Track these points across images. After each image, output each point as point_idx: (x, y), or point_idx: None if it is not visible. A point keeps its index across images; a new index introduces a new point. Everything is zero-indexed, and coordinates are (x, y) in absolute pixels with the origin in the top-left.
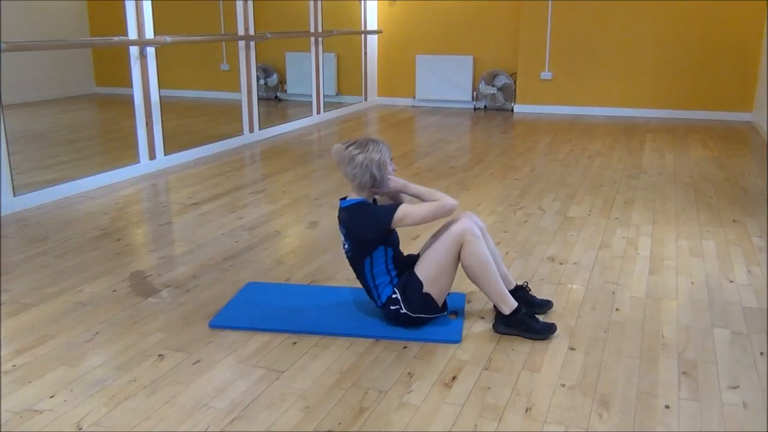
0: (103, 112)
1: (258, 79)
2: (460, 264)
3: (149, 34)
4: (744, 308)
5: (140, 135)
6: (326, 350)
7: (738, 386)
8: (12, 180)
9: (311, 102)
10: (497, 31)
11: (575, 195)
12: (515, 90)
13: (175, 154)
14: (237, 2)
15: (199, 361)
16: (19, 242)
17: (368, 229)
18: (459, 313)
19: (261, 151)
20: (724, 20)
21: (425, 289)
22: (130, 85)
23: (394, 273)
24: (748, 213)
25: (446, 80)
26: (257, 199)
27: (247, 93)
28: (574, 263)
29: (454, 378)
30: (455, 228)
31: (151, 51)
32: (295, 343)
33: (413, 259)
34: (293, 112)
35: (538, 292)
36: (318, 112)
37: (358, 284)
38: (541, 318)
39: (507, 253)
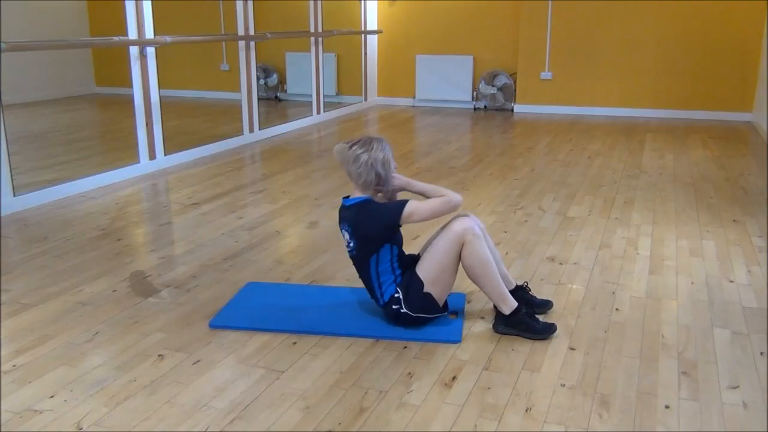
0: (103, 112)
1: (258, 79)
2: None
3: (149, 34)
4: (744, 308)
5: (140, 135)
6: (326, 350)
7: (738, 386)
8: (12, 180)
9: (311, 102)
10: (497, 31)
11: (575, 195)
12: (515, 90)
13: (175, 154)
14: (237, 2)
15: (199, 361)
16: (19, 242)
17: (377, 226)
18: (459, 313)
19: (261, 151)
20: (724, 20)
21: (426, 289)
22: (130, 85)
23: (398, 272)
24: (748, 213)
25: (446, 80)
26: (257, 199)
27: (247, 93)
28: (574, 263)
29: (454, 378)
30: (456, 228)
31: (151, 51)
32: (295, 343)
33: (415, 258)
34: (293, 112)
35: (538, 292)
36: (318, 112)
37: (358, 284)
38: (541, 318)
39: (507, 253)
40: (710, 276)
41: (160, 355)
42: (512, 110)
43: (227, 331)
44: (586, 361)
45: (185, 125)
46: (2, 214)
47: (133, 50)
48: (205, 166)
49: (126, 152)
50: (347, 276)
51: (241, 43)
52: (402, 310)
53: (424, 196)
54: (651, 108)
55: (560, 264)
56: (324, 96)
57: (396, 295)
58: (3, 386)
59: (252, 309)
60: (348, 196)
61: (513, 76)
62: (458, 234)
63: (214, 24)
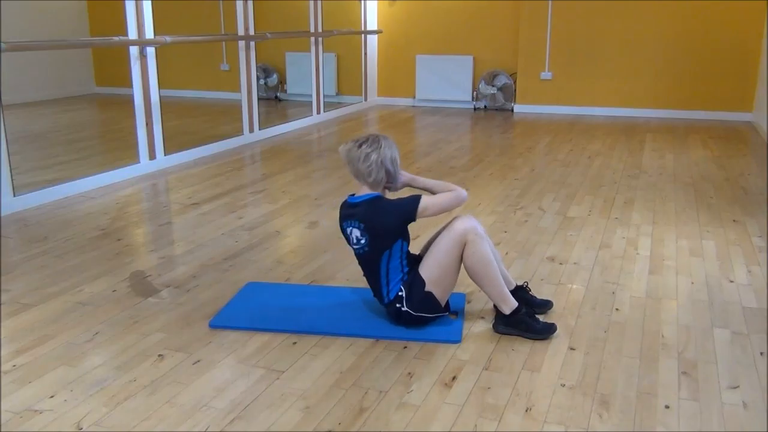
0: (103, 112)
1: (258, 79)
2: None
3: (149, 34)
4: (744, 308)
5: (140, 135)
6: (326, 350)
7: (738, 386)
8: (12, 180)
9: (311, 102)
10: (497, 31)
11: (575, 195)
12: (515, 90)
13: (175, 154)
14: (237, 2)
15: (199, 361)
16: (19, 242)
17: (395, 221)
18: (459, 313)
19: (261, 151)
20: (724, 20)
21: (427, 288)
22: (130, 85)
23: (406, 269)
24: (748, 213)
25: (446, 80)
26: (257, 199)
27: (247, 93)
28: (574, 263)
29: (454, 378)
30: (459, 227)
31: (151, 51)
32: (295, 343)
33: (417, 258)
34: (293, 112)
35: (538, 292)
36: (318, 112)
37: (358, 284)
38: (541, 318)
39: (507, 253)
40: (710, 276)
41: (160, 355)
42: (512, 110)
43: (227, 331)
44: (586, 361)
45: (185, 125)
46: (2, 214)
47: (133, 50)
48: (205, 166)
49: (126, 152)
50: (347, 276)
51: (241, 43)
52: (403, 309)
53: (429, 191)
54: (651, 108)
55: (560, 264)
56: (324, 96)
57: (400, 294)
58: (3, 386)
59: (252, 309)
60: (353, 194)
61: (513, 76)
62: (461, 234)
63: (214, 24)
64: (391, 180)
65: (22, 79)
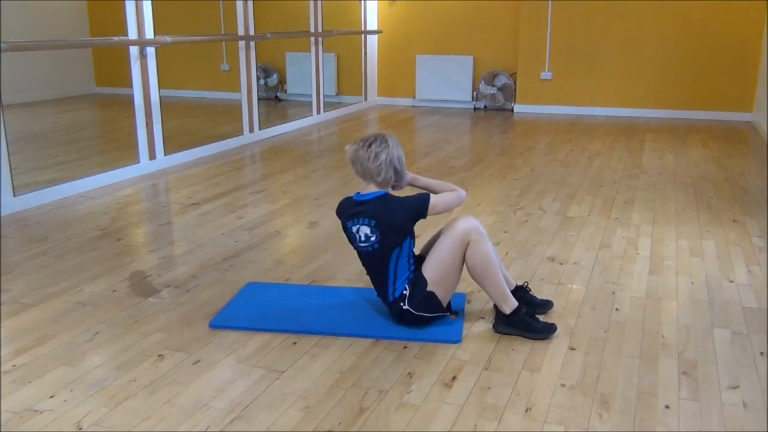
0: (103, 112)
1: (258, 79)
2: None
3: (149, 34)
4: (744, 308)
5: (140, 135)
6: (326, 350)
7: (738, 386)
8: (12, 180)
9: (311, 102)
10: (497, 31)
11: (575, 195)
12: (515, 90)
13: (175, 154)
14: (237, 2)
15: (199, 361)
16: (19, 242)
17: (406, 217)
18: (459, 313)
19: (261, 151)
20: (724, 20)
21: (429, 288)
22: (130, 85)
23: (412, 267)
24: (748, 213)
25: (446, 80)
26: (257, 199)
27: (247, 93)
28: (574, 263)
29: (454, 378)
30: (461, 227)
31: (151, 51)
32: (295, 343)
33: (420, 258)
34: (293, 112)
35: (538, 292)
36: (318, 112)
37: (358, 284)
38: (541, 318)
39: (507, 253)
40: (710, 276)
41: (160, 355)
42: (512, 110)
43: (227, 331)
44: (586, 361)
45: (185, 125)
46: (2, 214)
47: (133, 50)
48: (205, 166)
49: (126, 152)
50: (347, 276)
51: (241, 43)
52: (404, 307)
53: (430, 190)
54: (651, 108)
55: (560, 264)
56: (324, 96)
57: (405, 293)
58: (3, 386)
59: (252, 309)
60: (358, 193)
61: (513, 76)
62: (463, 233)
63: (214, 24)
64: (398, 179)
65: (22, 79)
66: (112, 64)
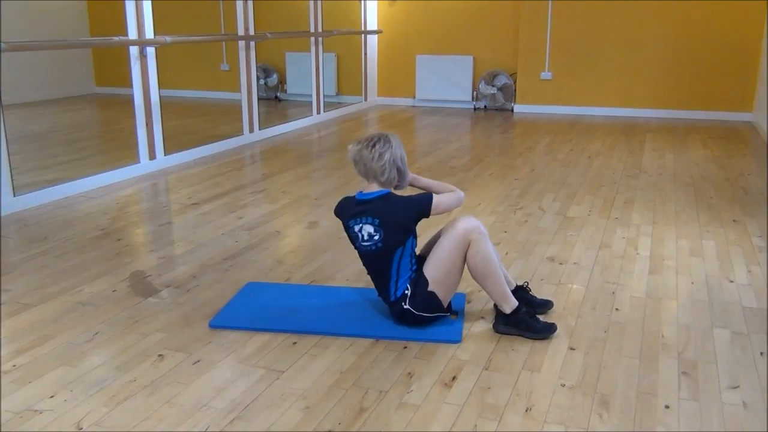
0: (103, 112)
1: (258, 79)
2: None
3: (149, 34)
4: (744, 308)
5: (140, 135)
6: (326, 350)
7: (738, 386)
8: (12, 180)
9: (311, 102)
10: (497, 31)
11: (575, 195)
12: (515, 90)
13: (175, 154)
14: (237, 2)
15: (199, 361)
16: (19, 242)
17: (409, 216)
18: (459, 313)
19: (261, 151)
20: (724, 20)
21: (430, 288)
22: (130, 85)
23: (414, 267)
24: (748, 213)
25: (446, 80)
26: (257, 199)
27: (247, 93)
28: (574, 263)
29: (454, 378)
30: (462, 227)
31: (151, 51)
32: (295, 343)
33: (421, 258)
34: (293, 112)
35: (538, 292)
36: (318, 112)
37: (358, 284)
38: (541, 318)
39: (507, 253)
40: (710, 276)
41: (160, 355)
42: (512, 110)
43: (227, 331)
44: (586, 361)
45: (185, 125)
46: (2, 214)
47: (133, 50)
48: (205, 166)
49: (126, 152)
50: (347, 276)
51: (241, 43)
52: (405, 307)
53: (430, 191)
54: (651, 108)
55: (560, 264)
56: (324, 96)
57: (406, 292)
58: (3, 386)
59: (252, 309)
60: (360, 192)
61: (513, 76)
62: (464, 233)
63: (214, 24)
64: (401, 178)
65: (22, 79)
66: (112, 64)
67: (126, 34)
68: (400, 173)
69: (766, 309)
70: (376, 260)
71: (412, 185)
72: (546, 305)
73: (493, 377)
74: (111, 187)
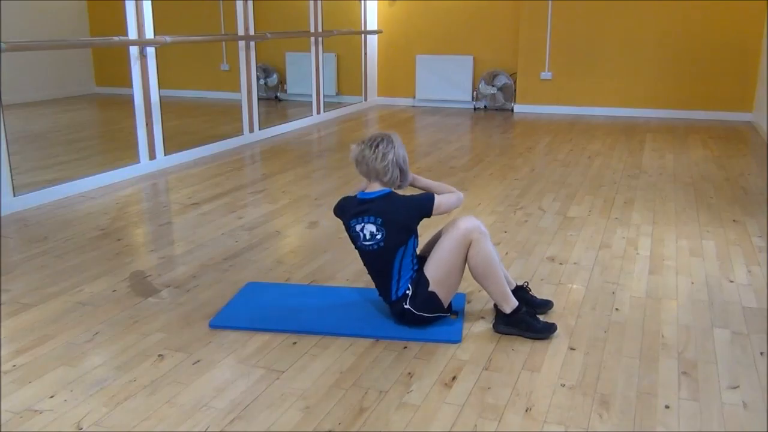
0: (103, 112)
1: (258, 79)
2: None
3: (149, 34)
4: (744, 308)
5: (140, 135)
6: (326, 350)
7: (738, 386)
8: (12, 180)
9: (311, 102)
10: (497, 31)
11: (575, 195)
12: (515, 90)
13: (175, 154)
14: (237, 2)
15: (199, 361)
16: (19, 242)
17: (411, 215)
18: (459, 313)
19: (261, 151)
20: (724, 20)
21: (431, 288)
22: (130, 85)
23: (416, 267)
24: (748, 213)
25: (446, 80)
26: (257, 199)
27: (247, 93)
28: (574, 263)
29: (454, 378)
30: (463, 226)
31: (151, 51)
32: (295, 343)
33: (422, 258)
34: (293, 112)
35: (538, 292)
36: (318, 112)
37: (358, 284)
38: (541, 318)
39: (507, 253)
40: (710, 276)
41: (160, 355)
42: (512, 110)
43: (227, 331)
44: (586, 361)
45: (185, 125)
46: (2, 214)
47: (133, 50)
48: (205, 166)
49: (126, 152)
50: (347, 276)
51: (241, 43)
52: (405, 306)
53: (430, 191)
54: (651, 108)
55: (560, 264)
56: (324, 96)
57: (407, 292)
58: (3, 386)
59: (252, 309)
60: (361, 191)
61: (513, 76)
62: (465, 233)
63: (214, 24)
64: (403, 178)
65: (22, 79)
66: (112, 64)
67: (126, 34)
68: (402, 173)
69: (766, 309)
70: (378, 260)
71: (412, 185)
72: (546, 305)
73: (493, 377)
74: (111, 187)
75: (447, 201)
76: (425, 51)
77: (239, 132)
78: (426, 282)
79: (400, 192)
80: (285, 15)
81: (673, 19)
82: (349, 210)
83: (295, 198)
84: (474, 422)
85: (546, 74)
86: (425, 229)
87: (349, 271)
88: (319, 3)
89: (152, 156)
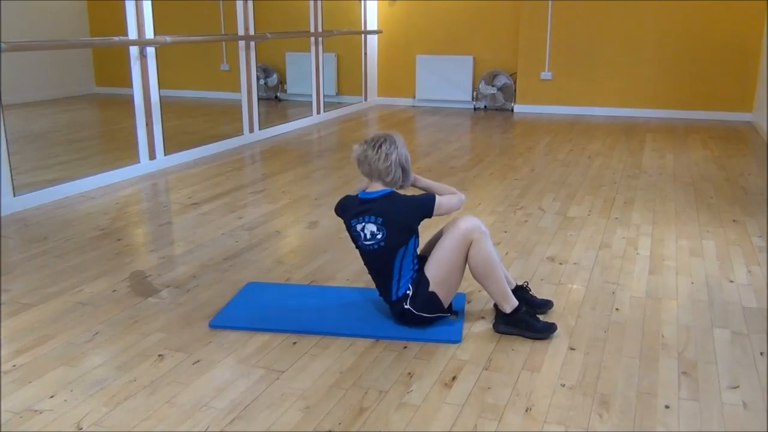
0: (103, 112)
1: (258, 79)
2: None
3: (149, 34)
4: (744, 308)
5: (140, 135)
6: (326, 350)
7: (738, 386)
8: (12, 180)
9: (311, 102)
10: (497, 31)
11: (575, 195)
12: (515, 90)
13: (175, 154)
14: (237, 2)
15: (199, 361)
16: (19, 242)
17: (413, 215)
18: (459, 313)
19: (261, 151)
20: (724, 20)
21: (431, 288)
22: (130, 85)
23: (416, 267)
24: (748, 213)
25: (446, 80)
26: (257, 199)
27: (247, 93)
28: (574, 263)
29: (454, 378)
30: (463, 226)
31: (151, 51)
32: (295, 343)
33: (422, 258)
34: (293, 112)
35: (538, 292)
36: (318, 112)
37: (358, 284)
38: (541, 318)
39: (507, 253)
40: (710, 276)
41: (160, 355)
42: (512, 110)
43: (227, 331)
44: (586, 361)
45: (185, 125)
46: (2, 214)
47: (133, 50)
48: (205, 166)
49: (126, 152)
50: (347, 276)
51: (241, 43)
52: (406, 306)
53: (431, 192)
54: (651, 108)
55: (560, 264)
56: (324, 96)
57: (408, 292)
58: (3, 386)
59: (252, 309)
60: (362, 191)
61: (513, 76)
62: (465, 233)
63: (214, 24)
64: (405, 178)
65: (22, 79)
66: (112, 64)
67: (126, 34)
68: (405, 173)
69: (766, 309)
70: (378, 260)
71: (413, 186)
72: (546, 305)
73: (493, 377)
74: (111, 187)
75: (448, 202)
76: (425, 51)
77: (239, 132)
78: (426, 282)
79: (402, 192)
80: (285, 15)
81: (673, 19)
82: (351, 209)
83: (295, 198)
84: (474, 422)
85: (546, 74)
86: (425, 229)
87: (349, 271)
88: (319, 3)
89: (152, 156)
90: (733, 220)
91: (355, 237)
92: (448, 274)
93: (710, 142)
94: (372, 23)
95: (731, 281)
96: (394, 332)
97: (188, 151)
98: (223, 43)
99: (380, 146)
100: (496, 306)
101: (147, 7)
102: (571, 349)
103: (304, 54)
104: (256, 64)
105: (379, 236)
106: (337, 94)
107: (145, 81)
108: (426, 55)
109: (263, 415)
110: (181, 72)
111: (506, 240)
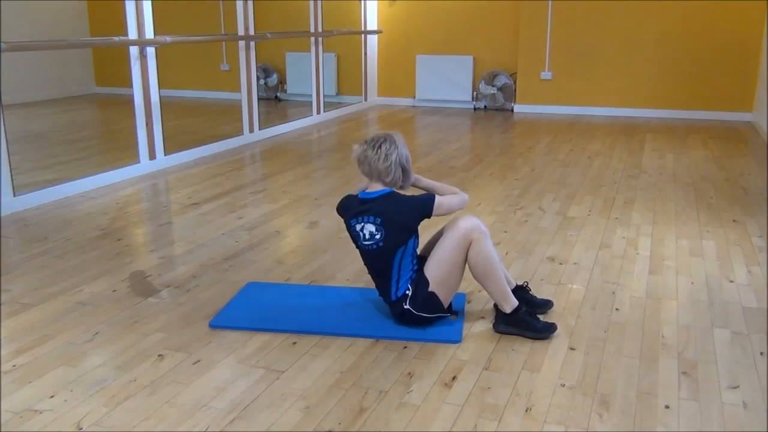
0: (103, 112)
1: (258, 79)
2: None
3: (149, 34)
4: (744, 308)
5: (140, 135)
6: (326, 350)
7: (738, 386)
8: (12, 180)
9: (311, 102)
10: (497, 31)
11: (575, 195)
12: (515, 90)
13: (175, 154)
14: (237, 2)
15: (199, 361)
16: (19, 242)
17: (412, 215)
18: (459, 313)
19: (261, 151)
20: (724, 20)
21: (431, 288)
22: (130, 85)
23: (416, 267)
24: (748, 213)
25: (446, 80)
26: (257, 199)
27: (247, 93)
28: (574, 263)
29: (454, 378)
30: (463, 226)
31: (151, 51)
32: (295, 343)
33: (422, 258)
34: (293, 112)
35: (538, 292)
36: (318, 112)
37: (358, 284)
38: (541, 318)
39: (507, 253)
40: (710, 276)
41: (160, 355)
42: (512, 110)
43: (227, 331)
44: (586, 361)
45: (185, 125)
46: (2, 214)
47: (133, 50)
48: (205, 166)
49: (126, 152)
50: (347, 276)
51: (241, 43)
52: (405, 307)
53: (433, 192)
54: (651, 108)
55: (560, 264)
56: (324, 96)
57: (407, 292)
58: (3, 386)
59: (252, 309)
60: (363, 190)
61: (513, 76)
62: (465, 232)
63: (214, 24)
64: (406, 178)
65: (22, 79)
66: (112, 64)
67: (126, 34)
68: (405, 173)
69: (766, 309)
70: (377, 260)
71: (414, 186)
72: (546, 305)
73: (493, 377)
74: (111, 187)
75: (449, 202)
76: (425, 51)
77: (239, 132)
78: (426, 282)
79: (402, 192)
80: (285, 15)
81: (673, 19)
82: (351, 209)
83: (295, 198)
84: (474, 422)
85: (546, 74)
86: (425, 229)
87: (349, 271)
88: (319, 3)
89: (152, 156)
90: (733, 220)
91: (355, 237)
92: (447, 274)
93: (710, 142)
94: (372, 23)
95: (731, 281)
96: (394, 332)
97: (188, 151)
98: (223, 43)
99: (380, 146)
100: (496, 306)
101: (147, 7)
102: (571, 349)
103: (304, 54)
104: (256, 64)
105: (377, 236)
106: (337, 94)
107: (145, 81)
108: (426, 55)
109: (263, 415)
110: (181, 72)
111: (506, 240)
